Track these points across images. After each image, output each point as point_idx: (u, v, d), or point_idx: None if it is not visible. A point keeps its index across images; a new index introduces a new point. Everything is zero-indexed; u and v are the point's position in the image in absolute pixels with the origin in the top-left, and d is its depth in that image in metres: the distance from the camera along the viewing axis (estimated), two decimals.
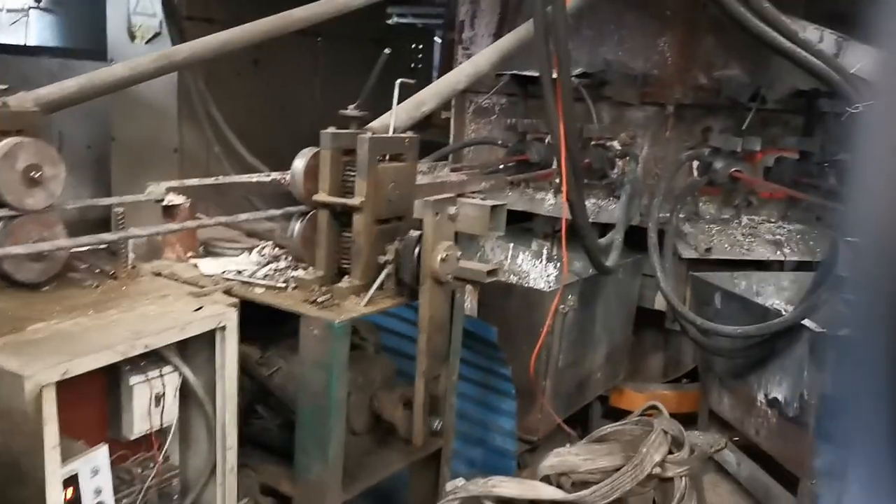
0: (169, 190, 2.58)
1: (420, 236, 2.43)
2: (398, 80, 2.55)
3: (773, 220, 4.55)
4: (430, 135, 5.63)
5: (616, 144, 4.48)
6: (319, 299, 2.36)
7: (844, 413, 0.81)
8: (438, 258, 2.38)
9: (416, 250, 2.42)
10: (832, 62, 3.26)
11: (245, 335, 2.25)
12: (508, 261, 4.33)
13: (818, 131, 4.48)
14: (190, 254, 2.66)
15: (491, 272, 2.47)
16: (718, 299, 3.90)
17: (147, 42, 5.68)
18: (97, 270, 2.35)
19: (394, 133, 2.56)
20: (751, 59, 4.38)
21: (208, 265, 2.57)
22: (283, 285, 2.46)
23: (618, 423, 2.69)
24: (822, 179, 4.43)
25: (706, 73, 4.41)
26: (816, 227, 4.53)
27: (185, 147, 5.81)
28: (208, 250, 2.74)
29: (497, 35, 4.81)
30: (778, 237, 4.36)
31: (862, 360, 0.76)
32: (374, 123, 2.63)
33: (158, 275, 2.45)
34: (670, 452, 2.42)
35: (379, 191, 2.44)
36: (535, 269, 4.28)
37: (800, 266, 4.23)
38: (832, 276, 3.15)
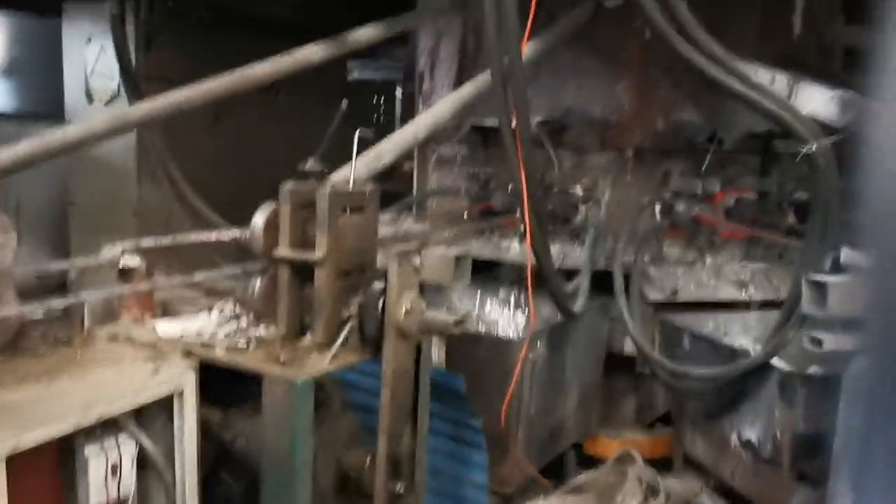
0: (125, 251, 2.52)
1: (384, 288, 2.40)
2: (357, 133, 2.54)
3: (736, 259, 4.59)
4: (393, 185, 5.63)
5: (578, 190, 4.51)
6: (282, 357, 2.31)
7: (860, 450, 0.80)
8: (403, 310, 2.35)
9: (380, 303, 2.39)
10: (784, 104, 3.34)
11: (205, 397, 2.18)
12: (476, 310, 4.31)
13: (775, 171, 4.57)
14: (147, 316, 2.59)
15: (458, 323, 2.44)
16: (687, 341, 3.90)
17: (106, 104, 5.65)
18: (51, 337, 2.28)
19: (354, 185, 2.55)
20: (706, 102, 4.47)
21: (166, 327, 2.51)
22: (245, 345, 2.40)
23: (592, 472, 2.65)
24: (781, 218, 4.51)
25: (664, 117, 4.48)
26: (779, 265, 4.59)
27: (145, 207, 5.74)
28: (166, 311, 2.68)
29: (457, 85, 4.85)
30: (742, 277, 4.40)
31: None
32: (335, 176, 2.61)
33: (115, 339, 2.38)
34: (645, 500, 2.38)
35: (340, 244, 2.41)
36: (503, 317, 4.25)
37: (765, 305, 4.26)
38: (797, 313, 3.16)
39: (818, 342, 2.82)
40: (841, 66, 5.34)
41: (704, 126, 4.41)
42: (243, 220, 2.90)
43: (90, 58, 5.68)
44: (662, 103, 4.49)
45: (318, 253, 2.37)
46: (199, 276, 2.48)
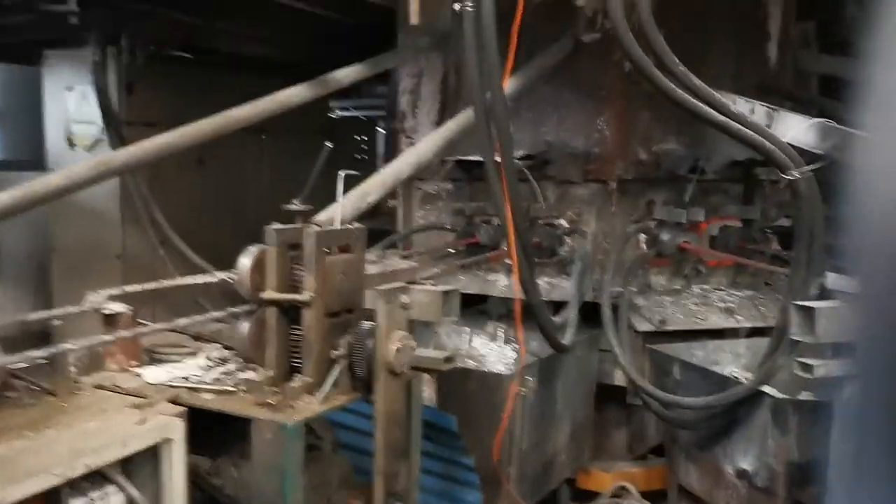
0: (109, 298, 2.50)
1: (373, 327, 2.39)
2: (341, 172, 2.55)
3: (722, 287, 4.62)
4: (379, 223, 5.64)
5: (563, 222, 4.54)
6: (271, 401, 2.28)
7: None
8: (393, 349, 2.33)
9: (370, 342, 2.38)
10: (764, 132, 3.39)
11: (194, 443, 2.15)
12: (465, 345, 4.30)
13: (757, 198, 4.62)
14: (133, 363, 2.56)
15: (448, 359, 2.43)
16: (677, 371, 3.90)
17: (88, 150, 5.64)
18: (35, 388, 2.24)
19: (340, 225, 2.55)
20: (687, 132, 4.53)
21: (153, 373, 2.48)
22: (233, 389, 2.38)
23: None
24: (766, 244, 4.55)
25: (645, 147, 4.54)
26: (765, 291, 4.62)
27: (128, 252, 5.70)
28: (153, 358, 2.65)
29: (438, 122, 4.90)
30: (729, 304, 4.42)
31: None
32: (320, 216, 2.61)
33: (100, 387, 2.34)
34: None
35: (328, 284, 2.41)
36: (493, 352, 4.24)
37: (753, 332, 4.28)
38: (786, 340, 3.18)
39: (808, 368, 2.83)
40: (817, 93, 5.45)
41: (686, 156, 4.47)
42: (229, 263, 2.89)
43: (71, 105, 5.69)
44: (643, 134, 4.54)
45: (306, 294, 2.36)
46: (186, 321, 2.45)
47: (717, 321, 4.28)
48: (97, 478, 1.89)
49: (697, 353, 4.06)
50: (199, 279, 2.83)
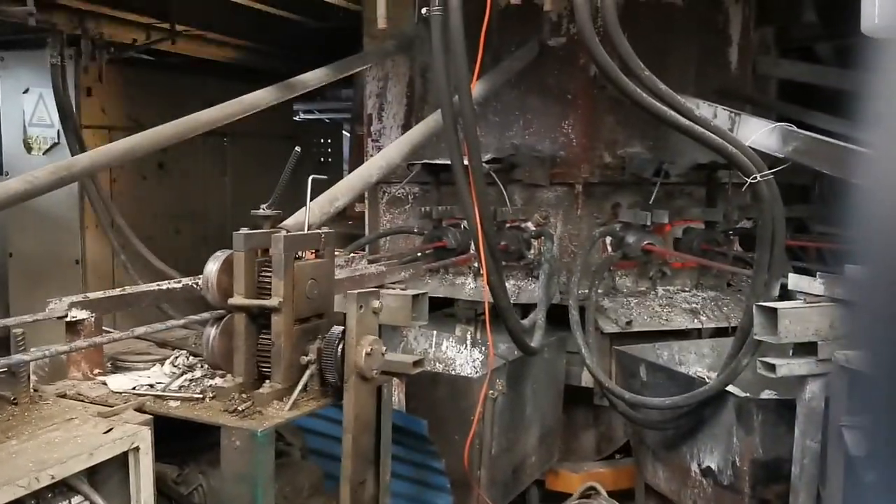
0: (72, 305, 2.46)
1: (342, 332, 2.38)
2: (310, 177, 2.54)
3: (687, 289, 4.69)
4: (345, 227, 5.63)
5: (530, 225, 4.58)
6: (240, 408, 2.26)
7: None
8: (363, 353, 2.33)
9: (340, 347, 2.37)
10: (727, 136, 3.45)
11: (161, 452, 2.12)
12: (433, 349, 4.30)
13: (720, 201, 4.70)
14: (97, 371, 2.52)
15: (417, 363, 2.42)
16: (643, 371, 3.95)
17: (45, 153, 5.54)
18: None
19: (309, 229, 2.54)
20: (651, 136, 4.60)
21: (117, 381, 2.44)
22: (200, 396, 2.35)
23: None
24: (728, 246, 4.63)
25: (610, 151, 4.59)
26: (728, 292, 4.70)
27: (88, 258, 5.61)
28: (117, 365, 2.61)
29: (405, 126, 4.91)
30: (694, 305, 4.48)
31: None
32: (289, 221, 2.60)
33: (63, 396, 2.30)
34: None
35: (297, 289, 2.39)
36: (461, 356, 4.26)
37: (717, 332, 4.35)
38: (750, 340, 3.24)
39: (771, 367, 2.88)
40: (776, 97, 5.57)
41: (651, 159, 4.52)
42: (191, 268, 2.87)
43: (28, 107, 5.58)
44: (609, 138, 4.60)
45: (275, 299, 2.35)
46: (151, 328, 2.42)
47: (681, 322, 4.34)
48: (63, 488, 1.86)
49: (663, 353, 4.11)
50: (164, 285, 2.79)
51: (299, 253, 2.46)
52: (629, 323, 4.26)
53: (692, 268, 4.68)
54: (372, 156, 4.89)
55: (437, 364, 4.24)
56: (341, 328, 2.39)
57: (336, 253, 2.84)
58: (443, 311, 4.62)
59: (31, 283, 5.60)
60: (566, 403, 4.52)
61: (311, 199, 2.61)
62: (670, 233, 4.61)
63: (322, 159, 8.34)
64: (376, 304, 2.40)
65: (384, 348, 2.40)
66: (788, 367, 2.89)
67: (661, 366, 3.94)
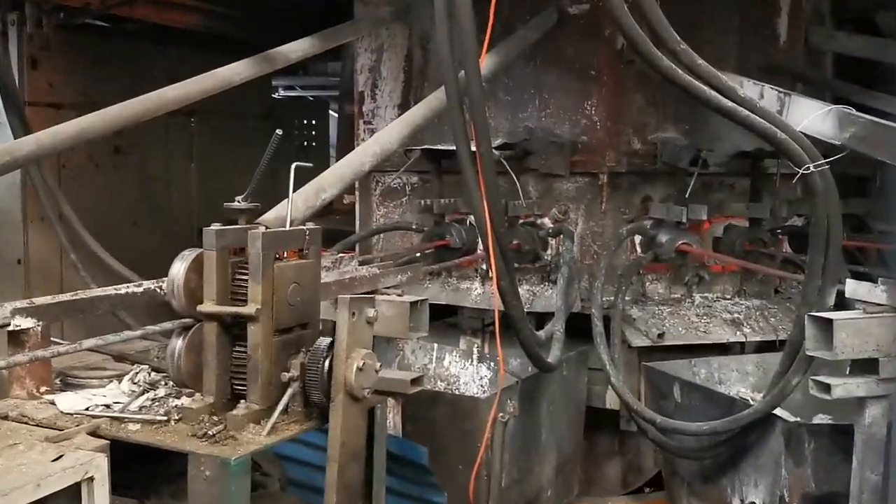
0: (14, 312, 2.45)
1: (330, 345, 2.38)
2: (293, 165, 2.54)
3: (728, 296, 4.69)
4: (332, 223, 5.63)
5: (547, 221, 4.58)
6: (210, 432, 2.26)
7: None
8: (354, 369, 2.33)
9: (327, 362, 2.37)
10: (776, 120, 3.44)
11: (118, 482, 2.12)
12: (434, 364, 4.30)
13: (766, 194, 4.70)
14: (44, 389, 2.52)
15: (415, 381, 2.43)
16: (678, 391, 3.95)
17: None
18: None
19: (291, 225, 2.53)
20: (687, 118, 4.59)
21: (68, 401, 2.44)
22: (164, 418, 2.35)
23: None
24: (776, 247, 4.63)
25: (640, 136, 4.58)
26: (776, 301, 4.69)
27: (32, 257, 5.60)
28: (67, 382, 2.61)
29: (403, 106, 4.90)
30: (736, 315, 4.48)
31: None
32: (268, 215, 2.60)
33: (5, 418, 2.31)
34: None
35: (278, 295, 2.39)
36: (466, 372, 4.26)
37: (762, 347, 4.35)
38: (801, 356, 3.23)
39: (826, 388, 2.87)
40: (832, 75, 5.56)
41: (687, 145, 4.52)
42: (154, 270, 2.87)
43: None
44: (638, 121, 4.59)
45: (252, 306, 2.34)
46: (107, 339, 2.42)
47: (721, 334, 4.34)
48: None
49: (700, 371, 4.11)
50: (122, 289, 2.79)
51: (280, 252, 2.45)
52: (661, 335, 4.26)
53: (734, 271, 4.68)
54: (364, 140, 4.89)
55: (439, 382, 4.24)
56: (328, 340, 2.39)
57: (322, 253, 2.83)
58: (445, 320, 4.62)
59: None
60: (588, 428, 4.52)
61: (294, 190, 2.60)
62: (709, 231, 4.61)
63: (306, 144, 8.33)
64: (371, 312, 2.40)
65: (378, 364, 2.40)
66: (845, 387, 2.88)
67: (697, 385, 3.93)
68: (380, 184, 5.04)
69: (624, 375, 4.08)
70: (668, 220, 4.36)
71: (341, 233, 4.94)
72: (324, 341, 2.40)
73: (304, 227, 2.55)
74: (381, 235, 4.99)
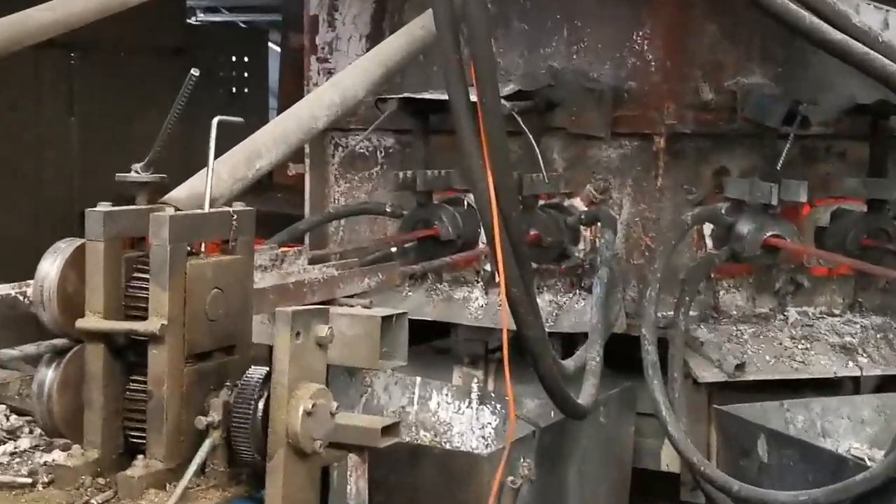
0: None
1: (266, 377, 2.39)
2: (215, 119, 2.54)
3: (837, 311, 4.69)
4: (272, 203, 5.64)
5: (578, 203, 4.58)
6: (94, 501, 2.27)
7: None
8: (300, 412, 2.34)
9: (261, 402, 2.38)
10: None
11: None
12: (415, 406, 4.30)
13: (893, 167, 4.70)
14: None
15: (389, 430, 2.44)
16: (764, 447, 3.96)
17: None
18: None
19: (212, 206, 2.54)
20: (779, 57, 4.59)
21: None
22: (28, 480, 2.36)
23: None
24: None
25: (712, 82, 4.59)
26: None
27: None
28: None
29: (373, 37, 4.90)
30: (847, 339, 4.49)
31: None
32: (178, 192, 2.60)
33: None
34: None
35: (192, 305, 2.40)
36: (462, 418, 4.26)
37: (885, 383, 4.36)
38: None
39: None
40: None
41: (779, 95, 4.52)
42: (20, 268, 2.87)
43: None
44: (709, 60, 4.60)
45: (155, 321, 2.35)
46: None
47: (827, 366, 4.35)
48: None
49: (797, 417, 4.12)
50: None
51: (196, 245, 2.46)
52: (741, 367, 4.26)
53: (845, 276, 4.69)
54: (318, 85, 4.88)
55: (423, 431, 4.24)
56: (264, 370, 2.39)
57: (257, 245, 2.84)
58: (433, 344, 4.62)
59: None
60: (636, 496, 4.53)
61: (216, 157, 2.60)
62: (810, 218, 4.62)
63: (235, 89, 8.34)
64: (324, 330, 2.40)
65: (335, 404, 2.41)
66: None
67: (792, 438, 3.94)
68: (340, 148, 5.04)
69: (687, 424, 4.09)
70: (752, 202, 4.37)
71: (285, 217, 4.95)
72: (257, 372, 2.40)
73: (231, 209, 2.56)
74: (342, 222, 4.99)
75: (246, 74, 8.51)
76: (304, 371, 2.37)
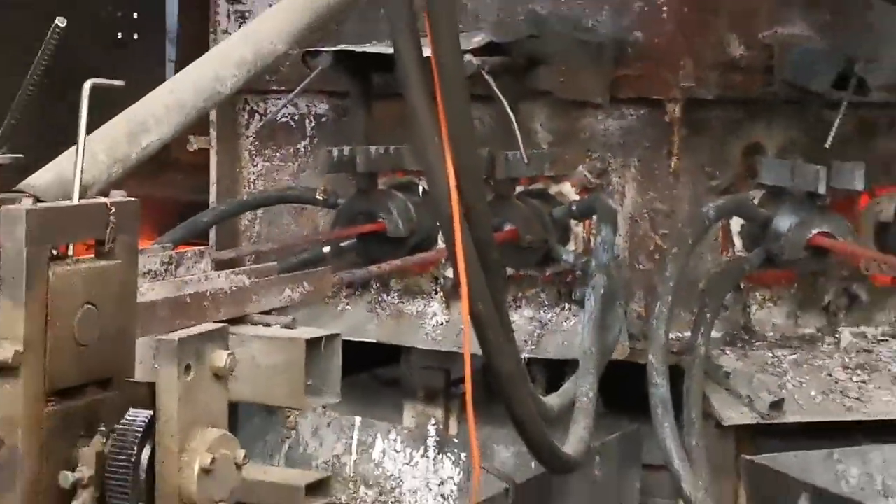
0: None
1: (151, 420, 2.39)
2: (89, 82, 2.55)
3: None
4: (166, 188, 5.63)
5: (568, 190, 4.60)
6: None
7: None
8: (196, 468, 2.35)
9: (144, 453, 2.38)
10: None
11: None
12: (354, 456, 4.32)
13: None
14: None
15: (315, 487, 2.45)
16: None
17: None
18: None
19: (84, 196, 2.54)
20: (829, 4, 4.62)
21: None
22: None
23: None
24: None
25: (743, 34, 4.62)
26: None
27: None
28: None
29: None
30: None
31: None
32: (39, 178, 2.60)
33: None
34: None
35: (56, 327, 2.40)
36: (414, 471, 4.28)
37: None
38: None
39: None
40: None
41: (827, 53, 4.55)
42: None
43: None
44: (739, 7, 4.63)
45: (6, 348, 2.35)
46: None
47: (891, 405, 4.39)
48: None
49: (850, 470, 4.16)
50: None
51: (62, 247, 2.46)
52: (777, 404, 4.29)
53: None
54: (227, 33, 4.89)
55: (364, 488, 4.26)
56: (147, 413, 2.40)
57: (144, 245, 2.84)
58: (377, 373, 4.64)
59: None
60: None
61: (90, 131, 2.61)
62: (867, 211, 4.65)
63: (120, 36, 8.32)
64: (223, 359, 2.41)
65: (242, 454, 2.42)
66: None
67: (844, 498, 3.98)
68: (257, 116, 5.05)
69: (708, 479, 4.12)
70: (794, 189, 4.41)
71: (186, 206, 4.95)
72: (140, 415, 2.41)
73: (108, 200, 2.56)
74: (258, 213, 4.99)
75: (135, 18, 8.48)
76: (200, 414, 2.37)
